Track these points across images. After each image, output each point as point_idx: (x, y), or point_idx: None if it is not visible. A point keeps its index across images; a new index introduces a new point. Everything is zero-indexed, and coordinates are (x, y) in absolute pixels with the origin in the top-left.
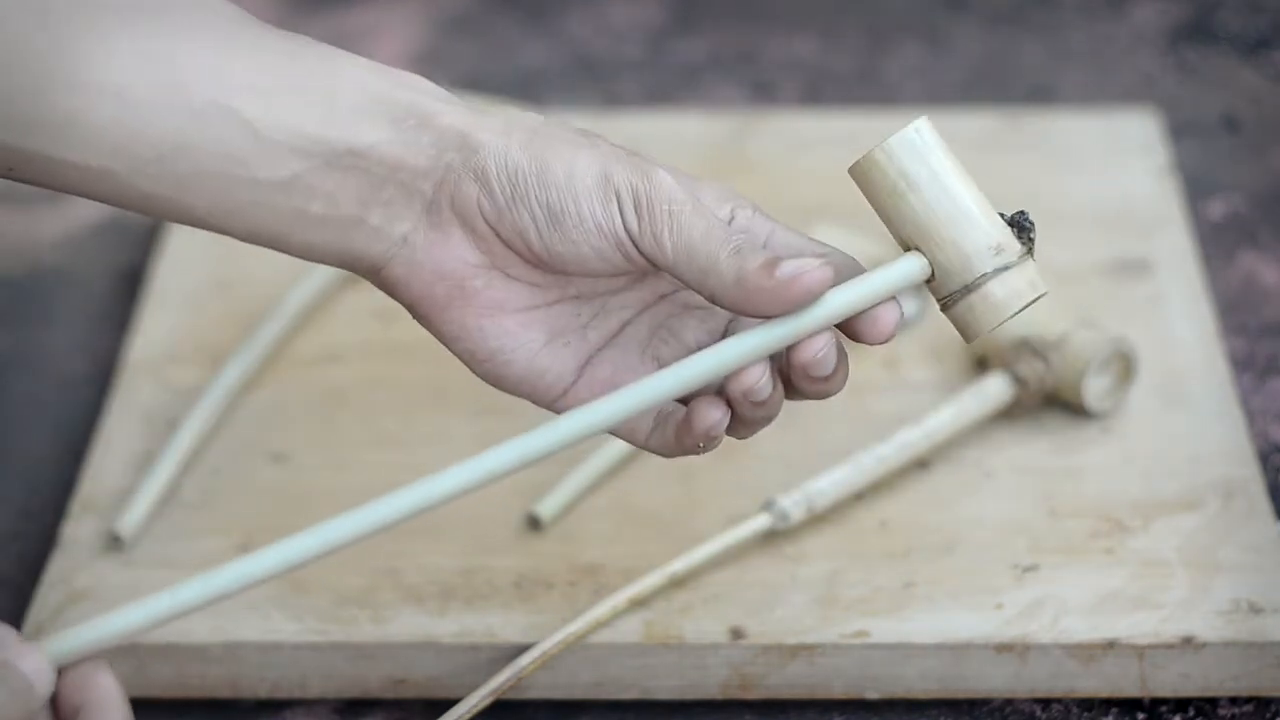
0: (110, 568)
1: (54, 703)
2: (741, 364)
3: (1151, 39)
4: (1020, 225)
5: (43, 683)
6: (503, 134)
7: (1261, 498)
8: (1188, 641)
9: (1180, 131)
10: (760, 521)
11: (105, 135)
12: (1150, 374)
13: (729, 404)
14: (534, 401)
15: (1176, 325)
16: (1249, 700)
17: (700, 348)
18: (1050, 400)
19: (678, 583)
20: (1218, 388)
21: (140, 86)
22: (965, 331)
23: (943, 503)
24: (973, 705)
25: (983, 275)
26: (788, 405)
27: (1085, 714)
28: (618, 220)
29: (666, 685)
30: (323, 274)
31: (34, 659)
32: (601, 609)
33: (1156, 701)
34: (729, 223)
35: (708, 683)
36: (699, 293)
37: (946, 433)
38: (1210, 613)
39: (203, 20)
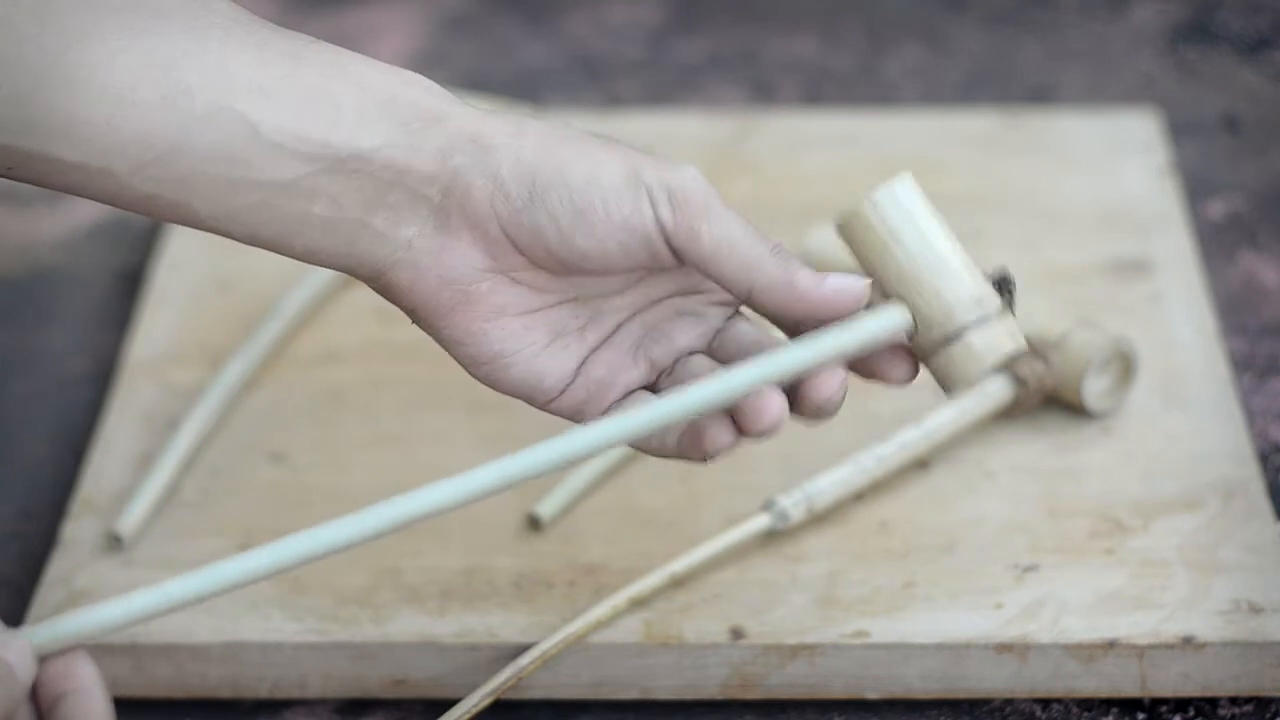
0: (110, 568)
1: (35, 691)
2: (755, 388)
3: (1151, 39)
4: (1000, 282)
5: (25, 671)
6: (515, 135)
7: (1261, 498)
8: (1188, 641)
9: (1180, 131)
10: (760, 521)
11: (106, 135)
12: (1150, 374)
13: (739, 429)
14: (529, 403)
15: (1176, 325)
16: (1249, 700)
17: (691, 351)
18: (1050, 400)
19: (678, 583)
20: (1218, 388)
21: (141, 87)
22: (945, 382)
23: (943, 503)
24: (973, 705)
25: (964, 325)
26: None
27: (1085, 714)
28: (649, 215)
29: (666, 685)
30: (323, 274)
31: (16, 648)
32: (601, 609)
33: (1156, 701)
34: None
35: (708, 683)
36: (729, 288)
37: (946, 433)
38: (1210, 613)
39: (205, 20)
